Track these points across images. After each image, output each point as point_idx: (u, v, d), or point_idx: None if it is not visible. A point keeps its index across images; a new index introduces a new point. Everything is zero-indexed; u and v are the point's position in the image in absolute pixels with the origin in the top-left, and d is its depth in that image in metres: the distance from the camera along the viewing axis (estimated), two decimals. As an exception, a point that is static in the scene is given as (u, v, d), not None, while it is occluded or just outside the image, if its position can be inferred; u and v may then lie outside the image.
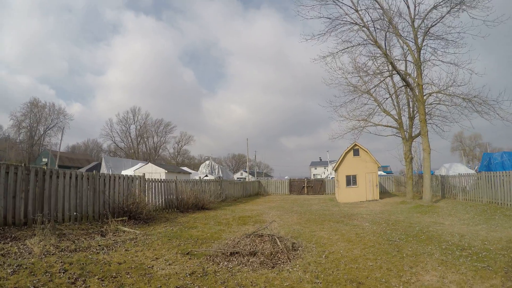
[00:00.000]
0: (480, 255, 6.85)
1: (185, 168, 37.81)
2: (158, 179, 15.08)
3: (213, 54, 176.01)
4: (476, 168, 29.83)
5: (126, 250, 7.15)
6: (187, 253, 7.07)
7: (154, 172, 24.54)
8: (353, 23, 16.59)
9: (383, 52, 16.47)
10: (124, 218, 10.58)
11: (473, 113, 16.44)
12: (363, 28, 16.77)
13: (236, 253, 6.67)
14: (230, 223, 11.65)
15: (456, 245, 7.75)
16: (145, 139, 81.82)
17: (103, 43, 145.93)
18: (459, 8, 15.36)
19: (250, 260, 6.37)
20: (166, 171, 24.62)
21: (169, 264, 6.25)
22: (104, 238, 8.22)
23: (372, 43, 16.78)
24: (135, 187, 12.49)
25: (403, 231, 9.71)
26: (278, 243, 6.84)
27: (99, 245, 7.30)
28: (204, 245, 7.98)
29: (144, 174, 14.54)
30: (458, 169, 22.93)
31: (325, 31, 17.35)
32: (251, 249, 6.69)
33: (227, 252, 6.70)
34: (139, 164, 31.03)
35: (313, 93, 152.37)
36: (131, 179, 12.60)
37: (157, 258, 6.62)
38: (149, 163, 28.33)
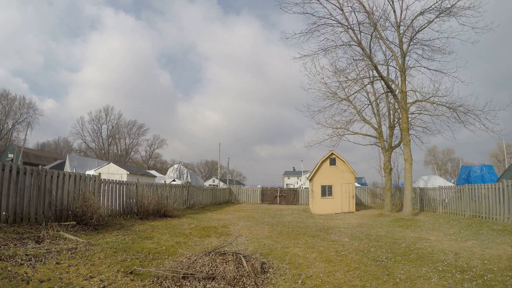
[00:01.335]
0: (485, 278, 5.73)
1: (152, 172, 35.53)
2: (116, 180, 13.33)
3: (190, 58, 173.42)
4: (453, 180, 29.73)
5: (57, 263, 5.67)
6: (131, 272, 5.58)
7: (115, 173, 22.49)
8: (337, 23, 15.67)
9: (367, 55, 15.59)
10: (71, 223, 9.21)
11: (456, 124, 15.83)
12: (348, 30, 15.89)
13: (191, 275, 5.16)
14: (192, 234, 10.08)
15: (454, 265, 6.60)
16: (117, 140, 78.16)
17: (80, 39, 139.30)
18: (447, 14, 14.74)
19: (207, 286, 4.89)
20: (128, 173, 22.57)
21: (103, 287, 4.78)
22: (38, 245, 6.72)
23: (356, 44, 15.89)
24: (88, 187, 10.76)
25: (388, 248, 8.51)
26: (244, 264, 5.37)
27: (27, 255, 5.86)
28: (155, 261, 6.50)
29: (100, 173, 12.77)
30: (437, 181, 22.44)
31: (307, 31, 16.36)
32: (210, 272, 5.19)
33: (180, 274, 5.17)
34: (102, 164, 28.76)
35: (289, 103, 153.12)
36: (83, 178, 10.86)
37: (91, 277, 5.17)
38: (111, 163, 26.06)
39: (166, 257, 6.88)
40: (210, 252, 5.80)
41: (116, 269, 5.70)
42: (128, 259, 6.43)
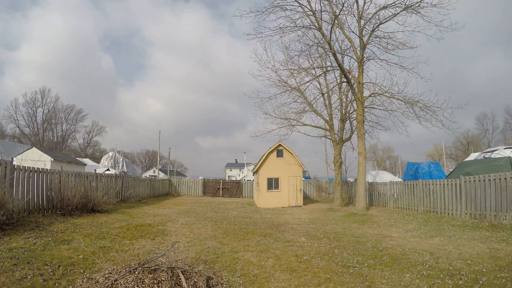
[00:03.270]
0: (481, 282, 4.86)
1: (85, 160, 31.48)
2: (34, 168, 10.51)
3: (135, 43, 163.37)
4: (397, 176, 30.60)
5: None
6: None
7: (38, 159, 18.93)
8: (298, 5, 14.37)
9: (327, 41, 14.55)
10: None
11: (409, 120, 15.61)
12: (309, 14, 14.73)
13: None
14: (121, 235, 8.05)
15: (437, 269, 5.61)
16: (53, 126, 69.40)
17: (20, 14, 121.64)
18: (411, 11, 14.20)
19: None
20: (52, 159, 19.16)
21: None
22: None
23: (316, 29, 14.80)
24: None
25: (354, 249, 7.37)
26: (184, 284, 3.64)
27: None
28: (64, 279, 4.66)
29: (13, 159, 9.98)
30: (385, 177, 22.57)
31: (264, 10, 14.88)
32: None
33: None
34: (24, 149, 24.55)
35: (232, 96, 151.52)
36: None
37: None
38: (34, 147, 22.08)
39: (81, 271, 5.03)
40: (136, 269, 3.95)
41: (7, 293, 3.80)
42: (29, 276, 4.58)
